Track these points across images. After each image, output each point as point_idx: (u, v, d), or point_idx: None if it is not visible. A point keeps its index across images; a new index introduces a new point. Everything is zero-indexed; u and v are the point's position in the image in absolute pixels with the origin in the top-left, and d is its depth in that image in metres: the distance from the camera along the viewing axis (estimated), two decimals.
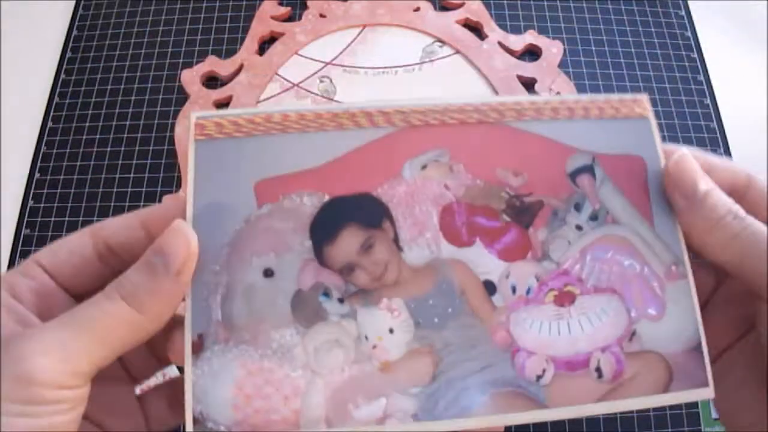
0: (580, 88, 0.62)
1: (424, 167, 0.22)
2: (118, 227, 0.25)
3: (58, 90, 0.64)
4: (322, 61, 0.63)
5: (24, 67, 0.67)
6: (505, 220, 0.22)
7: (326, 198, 0.23)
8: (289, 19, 0.67)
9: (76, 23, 0.68)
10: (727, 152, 0.61)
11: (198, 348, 0.21)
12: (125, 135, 0.62)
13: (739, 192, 0.23)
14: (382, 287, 0.22)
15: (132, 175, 0.60)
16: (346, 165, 0.23)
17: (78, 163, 0.61)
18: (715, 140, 0.62)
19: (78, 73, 0.65)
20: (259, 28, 0.65)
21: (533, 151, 0.23)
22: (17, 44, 0.68)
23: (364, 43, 0.65)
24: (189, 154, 0.24)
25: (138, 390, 0.27)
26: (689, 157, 0.23)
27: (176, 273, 0.21)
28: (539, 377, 0.22)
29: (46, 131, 0.62)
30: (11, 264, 0.57)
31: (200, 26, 0.67)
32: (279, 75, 0.63)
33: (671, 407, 0.51)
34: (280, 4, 0.67)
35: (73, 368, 0.21)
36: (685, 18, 0.68)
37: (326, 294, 0.22)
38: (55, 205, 0.59)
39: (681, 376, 0.22)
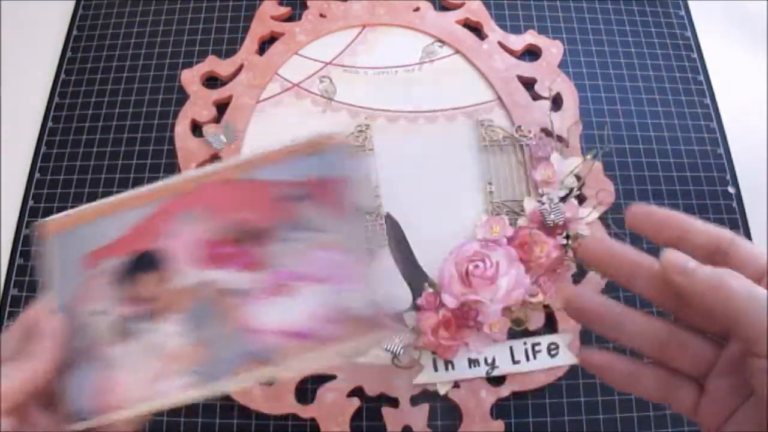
0: (580, 88, 0.62)
1: (188, 222, 0.32)
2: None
3: (58, 90, 0.64)
4: (322, 61, 0.63)
5: (24, 67, 0.67)
6: (242, 246, 0.32)
7: (125, 257, 0.32)
8: (289, 19, 0.67)
9: (76, 23, 0.68)
10: (727, 152, 0.61)
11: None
12: (125, 135, 0.62)
13: (722, 251, 0.25)
14: (163, 308, 0.32)
15: (132, 175, 0.60)
16: (137, 232, 0.33)
17: (78, 163, 0.61)
18: (715, 140, 0.62)
19: (78, 73, 0.65)
20: (259, 28, 0.65)
21: (254, 192, 0.32)
22: (17, 44, 0.68)
23: (364, 43, 0.64)
24: (46, 252, 0.32)
25: None
26: (670, 253, 0.25)
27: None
28: (274, 347, 0.30)
29: (46, 131, 0.62)
30: (11, 264, 0.57)
31: (200, 26, 0.67)
32: (279, 75, 0.63)
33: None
34: (280, 4, 0.67)
35: None
36: (685, 18, 0.68)
37: (131, 318, 0.32)
38: (55, 205, 0.59)
39: (379, 327, 0.30)
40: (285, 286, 0.31)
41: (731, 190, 0.60)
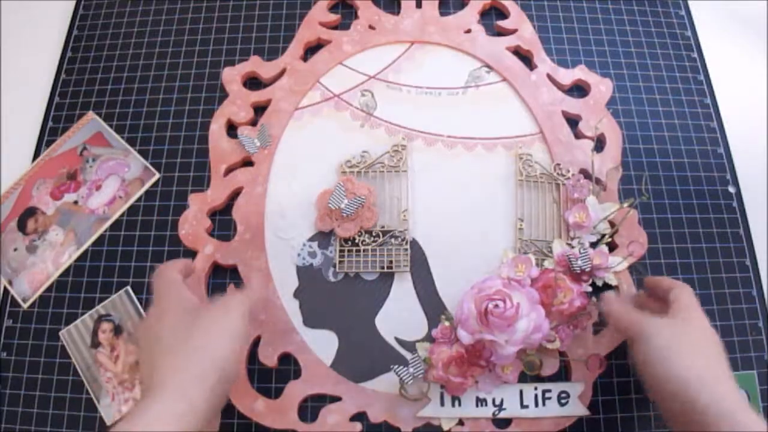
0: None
1: (36, 187, 0.60)
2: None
3: (58, 90, 0.64)
4: (366, 74, 0.62)
5: (24, 67, 0.67)
6: (69, 181, 0.60)
7: (16, 218, 0.59)
8: (338, 27, 0.65)
9: (76, 23, 0.68)
10: (727, 152, 0.61)
11: None
12: (125, 135, 0.61)
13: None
14: (46, 226, 0.59)
15: None
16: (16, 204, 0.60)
17: None
18: (715, 140, 0.62)
19: (78, 73, 0.65)
20: (306, 33, 0.63)
21: (60, 159, 0.60)
22: (17, 44, 0.68)
23: (411, 60, 0.63)
24: None
25: None
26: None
27: None
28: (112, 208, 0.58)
29: (47, 131, 0.63)
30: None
31: (200, 26, 0.67)
32: (321, 83, 0.61)
33: None
34: (331, 10, 0.66)
35: None
36: (685, 18, 0.68)
37: (33, 240, 0.59)
38: None
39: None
40: (98, 183, 0.58)
41: (731, 189, 0.60)
